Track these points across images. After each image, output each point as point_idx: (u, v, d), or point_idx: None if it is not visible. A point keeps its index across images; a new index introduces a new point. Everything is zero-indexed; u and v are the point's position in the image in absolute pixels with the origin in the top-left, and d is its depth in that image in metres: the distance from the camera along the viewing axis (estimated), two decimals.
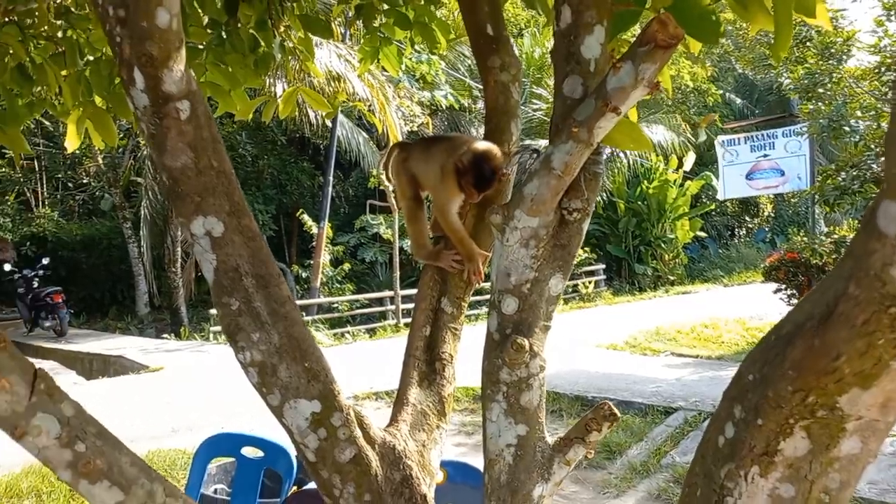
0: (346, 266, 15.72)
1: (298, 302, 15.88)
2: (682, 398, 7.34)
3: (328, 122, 14.08)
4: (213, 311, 13.99)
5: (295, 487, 3.49)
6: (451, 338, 2.01)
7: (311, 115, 13.45)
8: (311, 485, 3.19)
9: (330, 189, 13.39)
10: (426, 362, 1.95)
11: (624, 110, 1.42)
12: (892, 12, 9.05)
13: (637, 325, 12.51)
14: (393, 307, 15.11)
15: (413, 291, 17.15)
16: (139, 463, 1.05)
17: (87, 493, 0.95)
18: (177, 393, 8.93)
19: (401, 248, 14.62)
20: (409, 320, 16.43)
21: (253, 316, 1.62)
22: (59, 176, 18.73)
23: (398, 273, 14.72)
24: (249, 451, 3.67)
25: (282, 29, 3.43)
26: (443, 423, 1.90)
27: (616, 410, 1.52)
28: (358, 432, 1.65)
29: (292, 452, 3.49)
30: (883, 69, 9.02)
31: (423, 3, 3.47)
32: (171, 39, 1.60)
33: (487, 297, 1.95)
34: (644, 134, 1.51)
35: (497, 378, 1.53)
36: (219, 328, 13.63)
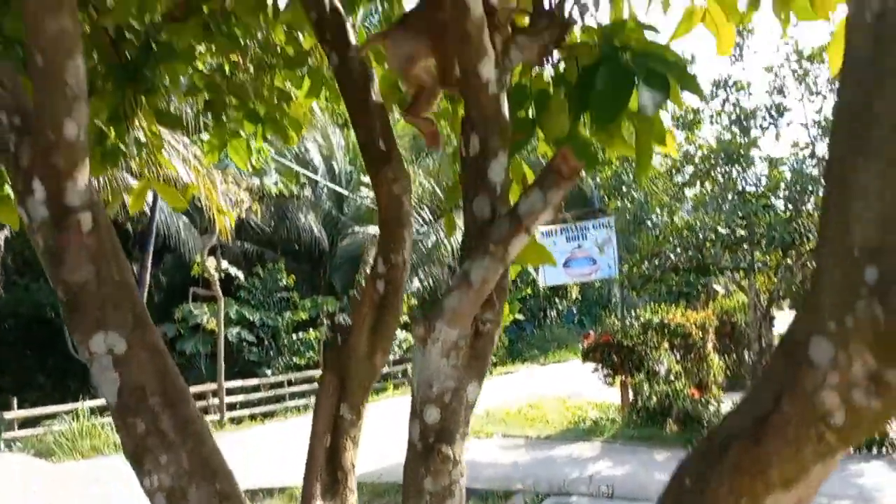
0: None
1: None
2: (520, 480, 7.57)
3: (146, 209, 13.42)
4: None
5: None
6: (351, 446, 2.00)
7: (127, 198, 12.72)
8: None
9: (148, 276, 12.59)
10: (328, 473, 1.93)
11: (532, 231, 1.58)
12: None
13: None
14: (216, 401, 14.18)
15: (241, 383, 16.00)
16: None
17: None
18: None
19: (226, 338, 13.94)
20: (234, 414, 15.26)
21: (160, 437, 1.54)
22: None
23: (223, 365, 13.97)
24: None
25: (135, 122, 3.33)
26: None
27: None
28: None
29: None
30: (674, 171, 10.34)
31: (275, 102, 3.53)
32: (77, 151, 1.55)
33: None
34: (547, 250, 1.67)
35: (420, 488, 1.56)
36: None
